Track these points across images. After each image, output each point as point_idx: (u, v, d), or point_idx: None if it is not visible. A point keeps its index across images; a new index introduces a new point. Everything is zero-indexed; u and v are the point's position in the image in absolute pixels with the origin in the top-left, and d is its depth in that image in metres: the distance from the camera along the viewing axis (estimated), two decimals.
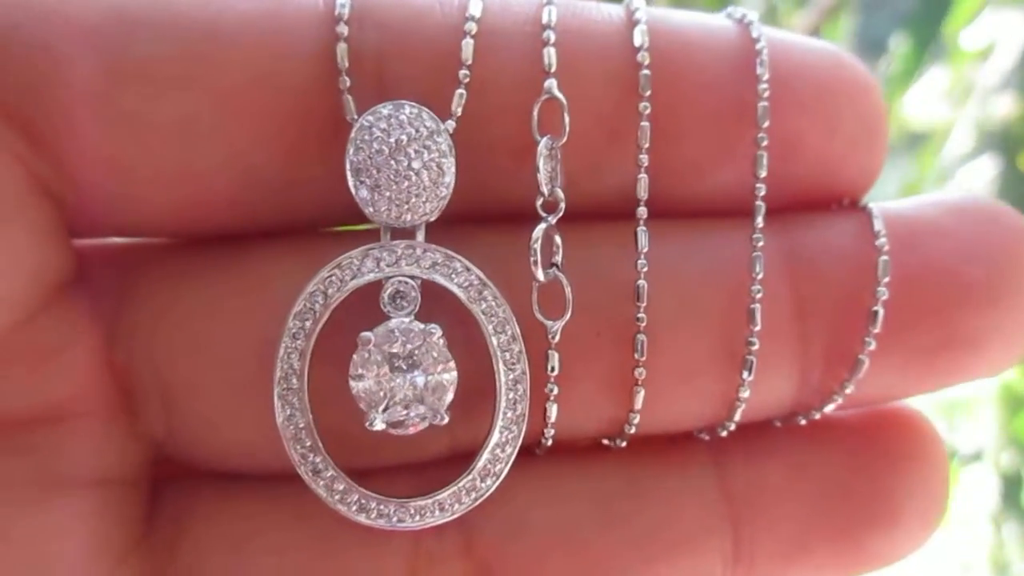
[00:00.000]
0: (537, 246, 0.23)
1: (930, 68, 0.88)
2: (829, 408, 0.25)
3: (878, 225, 0.24)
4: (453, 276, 0.23)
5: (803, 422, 0.26)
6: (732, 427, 0.25)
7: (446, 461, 0.25)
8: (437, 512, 0.24)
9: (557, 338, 0.23)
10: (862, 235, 0.24)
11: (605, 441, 0.26)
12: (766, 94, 0.24)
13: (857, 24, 0.97)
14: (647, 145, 0.23)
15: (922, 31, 0.83)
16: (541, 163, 0.23)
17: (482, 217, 0.25)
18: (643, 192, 0.23)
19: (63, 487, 0.23)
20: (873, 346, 0.24)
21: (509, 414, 0.24)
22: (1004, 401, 0.79)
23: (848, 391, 0.25)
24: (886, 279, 0.24)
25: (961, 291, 0.24)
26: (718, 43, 0.24)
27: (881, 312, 0.24)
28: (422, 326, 0.23)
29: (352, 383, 0.23)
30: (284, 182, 0.23)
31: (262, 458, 0.25)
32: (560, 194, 0.23)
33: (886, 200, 0.26)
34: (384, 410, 0.23)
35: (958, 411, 0.85)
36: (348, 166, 0.23)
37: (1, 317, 0.22)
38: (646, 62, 0.23)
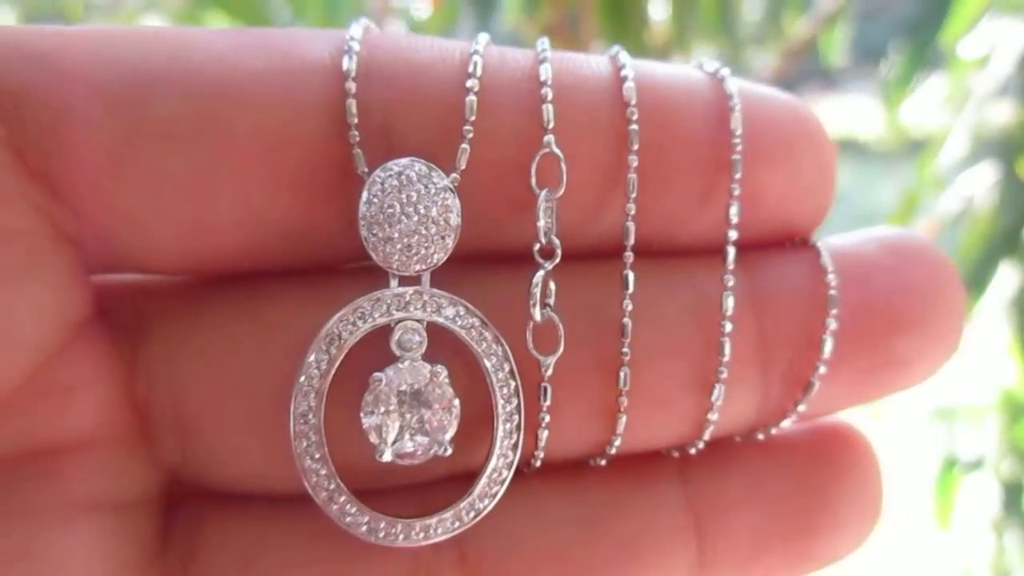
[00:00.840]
0: (537, 290, 0.25)
1: (929, 76, 0.88)
2: (785, 424, 0.28)
3: (826, 262, 0.27)
4: (456, 319, 0.25)
5: (761, 437, 0.29)
6: (701, 445, 0.28)
7: (444, 482, 0.27)
8: (440, 529, 0.26)
9: (550, 372, 0.25)
10: (813, 272, 0.27)
11: (587, 461, 0.28)
12: (739, 148, 0.26)
13: (855, 31, 0.97)
14: (634, 195, 0.25)
15: (920, 39, 0.83)
16: (541, 215, 0.25)
17: (479, 259, 0.26)
18: (630, 239, 0.25)
19: (80, 511, 0.24)
20: (823, 370, 0.27)
21: (506, 442, 0.26)
22: (1005, 409, 0.80)
23: (801, 409, 0.28)
24: (834, 311, 0.27)
25: (896, 319, 0.27)
26: (696, 98, 0.26)
27: (830, 341, 0.27)
28: (429, 367, 0.25)
29: (364, 419, 0.25)
30: (295, 231, 0.25)
31: (273, 483, 0.26)
32: (556, 242, 0.25)
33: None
34: (392, 443, 0.25)
35: (959, 419, 0.85)
36: (361, 220, 0.24)
37: (26, 359, 0.23)
38: (635, 117, 0.25)
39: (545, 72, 0.25)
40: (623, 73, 0.25)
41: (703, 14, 0.88)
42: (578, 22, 0.87)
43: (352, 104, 0.23)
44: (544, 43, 0.26)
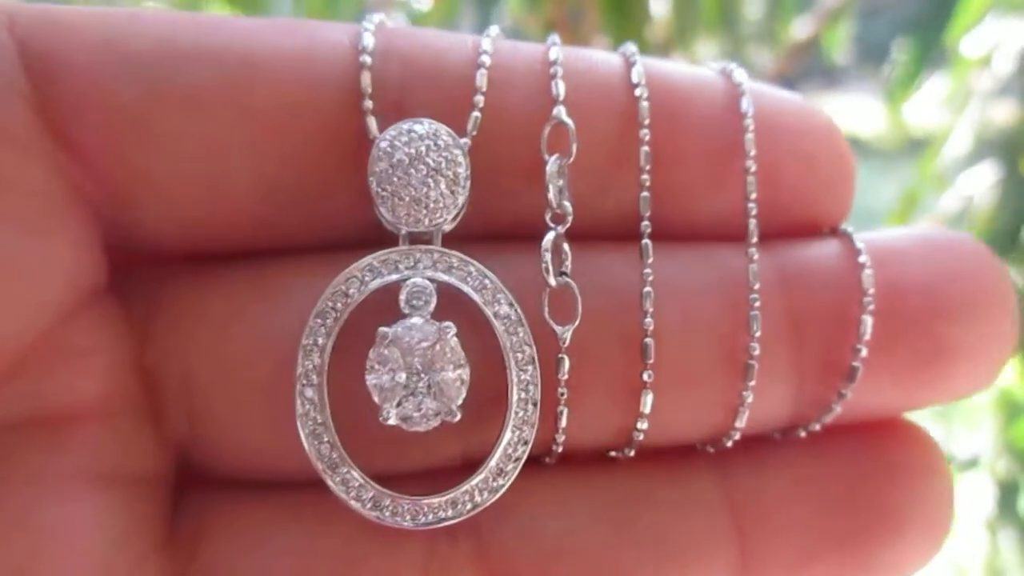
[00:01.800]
0: (548, 253, 0.24)
1: (932, 74, 0.88)
2: (827, 419, 0.26)
3: (860, 244, 0.26)
4: (468, 279, 0.24)
5: (803, 434, 0.27)
6: (737, 436, 0.26)
7: (459, 468, 0.26)
8: (450, 511, 0.24)
9: (567, 342, 0.24)
10: (845, 254, 0.27)
11: (613, 453, 0.27)
12: (751, 127, 0.26)
13: (856, 29, 0.97)
14: (648, 167, 0.25)
15: (924, 37, 0.83)
16: (551, 179, 0.25)
17: (492, 233, 0.26)
18: (646, 209, 0.25)
19: (88, 483, 0.24)
20: (864, 353, 0.25)
21: (520, 414, 0.24)
22: (1001, 408, 0.80)
23: (846, 399, 0.26)
24: (871, 290, 0.26)
25: (937, 305, 0.26)
26: (706, 85, 0.27)
27: (869, 320, 0.25)
28: (438, 324, 0.24)
29: (368, 377, 0.24)
30: (308, 200, 0.25)
31: (280, 462, 0.25)
32: (568, 207, 0.25)
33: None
34: (398, 405, 0.24)
35: (955, 418, 0.85)
36: (370, 175, 0.24)
37: (35, 320, 0.23)
38: (644, 96, 0.25)
39: (556, 54, 0.25)
40: (632, 59, 0.26)
41: (704, 11, 0.88)
42: (580, 17, 0.87)
43: (366, 76, 0.24)
44: (555, 38, 0.26)
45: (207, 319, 0.25)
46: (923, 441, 0.27)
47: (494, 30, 0.26)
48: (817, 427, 0.27)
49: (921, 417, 0.28)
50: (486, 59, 0.25)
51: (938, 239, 0.27)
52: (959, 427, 0.87)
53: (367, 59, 0.24)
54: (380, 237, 0.25)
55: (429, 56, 0.25)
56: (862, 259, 0.26)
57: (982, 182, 0.83)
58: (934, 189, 0.87)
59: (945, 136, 0.86)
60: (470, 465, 0.25)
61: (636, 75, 0.26)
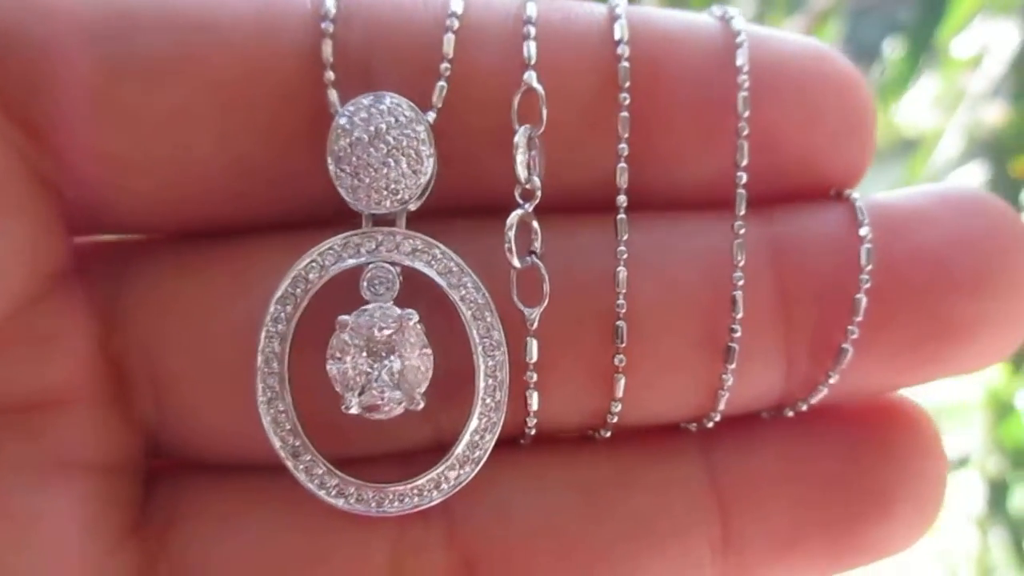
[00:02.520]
0: (512, 233, 0.23)
1: (923, 75, 0.89)
2: (815, 399, 0.25)
3: (861, 214, 0.24)
4: (432, 263, 0.24)
5: (790, 414, 0.26)
6: (717, 418, 0.25)
7: (432, 452, 0.25)
8: (416, 498, 0.24)
9: (535, 325, 0.24)
10: (846, 224, 0.25)
11: (589, 433, 0.26)
12: (746, 85, 0.24)
13: (848, 30, 0.97)
14: (627, 135, 0.24)
15: (916, 38, 0.83)
16: (519, 152, 0.23)
17: (462, 209, 0.25)
18: (623, 181, 0.24)
19: (59, 470, 0.23)
20: (856, 334, 0.24)
21: (488, 401, 0.24)
22: (991, 407, 0.80)
23: (832, 381, 0.25)
24: (869, 267, 0.24)
25: (947, 278, 0.24)
26: (698, 37, 0.25)
27: (864, 300, 0.24)
28: (400, 311, 0.23)
29: (329, 365, 0.23)
30: (273, 173, 0.24)
31: (248, 446, 0.25)
32: (537, 182, 0.23)
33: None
34: (360, 394, 0.23)
35: (946, 417, 0.85)
36: (329, 154, 0.23)
37: (1, 305, 0.22)
38: (626, 55, 0.24)
39: (531, 10, 0.24)
40: (616, 12, 0.24)
41: (694, 9, 0.88)
42: None
43: (328, 45, 0.23)
44: None
45: (173, 303, 0.25)
46: (918, 420, 0.26)
47: None
48: (804, 407, 0.26)
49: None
50: (454, 21, 0.23)
51: (958, 198, 0.25)
52: (949, 426, 0.87)
53: (328, 26, 0.23)
54: (350, 213, 0.24)
55: (394, 18, 0.24)
56: (863, 231, 0.24)
57: (972, 182, 0.84)
58: None
59: (936, 137, 0.87)
60: (444, 447, 0.25)
61: (619, 29, 0.24)
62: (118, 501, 0.25)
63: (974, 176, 0.84)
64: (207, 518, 0.25)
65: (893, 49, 0.85)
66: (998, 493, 0.80)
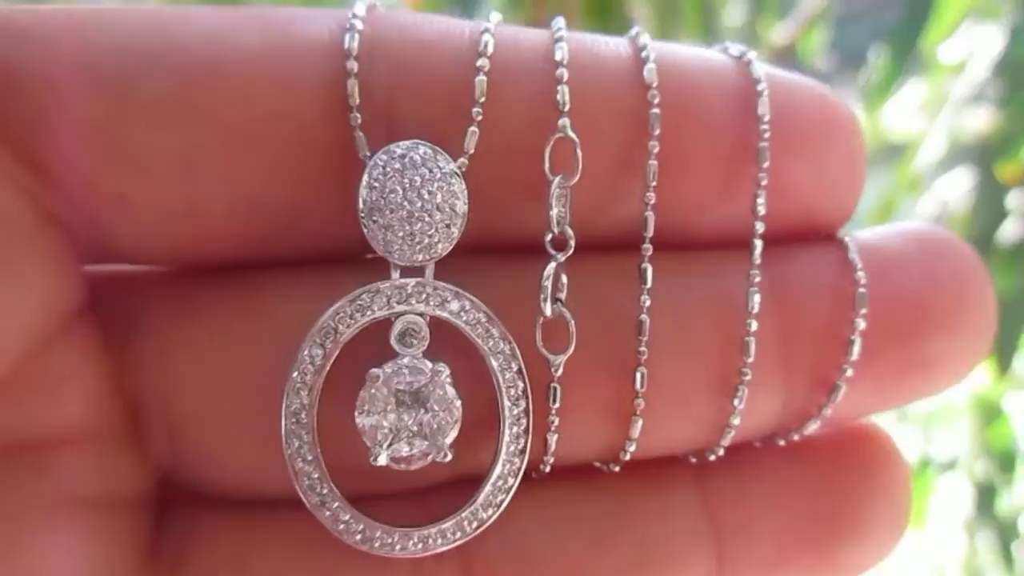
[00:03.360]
0: (548, 283, 0.23)
1: (908, 80, 0.89)
2: (808, 430, 0.27)
3: (854, 257, 0.26)
4: (462, 314, 0.24)
5: (782, 443, 0.27)
6: (720, 452, 0.26)
7: (448, 487, 0.25)
8: (439, 540, 0.24)
9: (560, 371, 0.24)
10: (839, 267, 0.26)
11: (598, 464, 0.27)
12: (767, 135, 0.24)
13: (834, 36, 0.98)
14: (654, 183, 0.24)
15: (901, 43, 0.84)
16: (553, 202, 0.23)
17: (487, 250, 0.25)
18: (649, 230, 0.24)
19: (70, 508, 0.23)
20: (850, 372, 0.25)
21: (512, 447, 0.24)
22: (978, 411, 0.80)
23: (826, 414, 0.26)
24: (863, 310, 0.25)
25: (928, 317, 0.26)
26: (721, 82, 0.25)
27: (858, 342, 0.25)
28: (430, 365, 0.23)
29: (358, 418, 0.23)
30: (291, 217, 0.23)
31: (265, 486, 0.25)
32: (570, 232, 0.24)
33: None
34: (388, 446, 0.23)
35: (934, 421, 0.86)
36: (361, 205, 0.23)
37: (14, 346, 0.22)
38: (656, 100, 0.23)
39: (561, 52, 0.23)
40: (644, 54, 0.24)
41: (686, 15, 0.88)
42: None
43: (354, 84, 0.22)
44: (559, 22, 0.24)
45: (190, 342, 0.24)
46: (880, 442, 0.28)
47: (494, 19, 0.24)
48: (796, 437, 0.27)
49: (897, 421, 0.30)
50: (484, 61, 0.23)
51: (928, 239, 0.26)
52: (937, 430, 0.88)
53: (353, 65, 0.22)
54: (371, 250, 0.24)
55: (420, 57, 0.23)
56: (858, 275, 0.25)
57: (958, 187, 0.84)
58: (909, 192, 0.87)
59: (921, 141, 0.87)
60: (459, 483, 0.25)
61: (648, 72, 0.24)
62: (129, 537, 0.24)
63: (960, 181, 0.85)
64: (220, 554, 0.25)
65: (878, 55, 0.86)
66: (986, 496, 0.80)
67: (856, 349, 0.25)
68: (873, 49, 0.86)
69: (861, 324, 0.25)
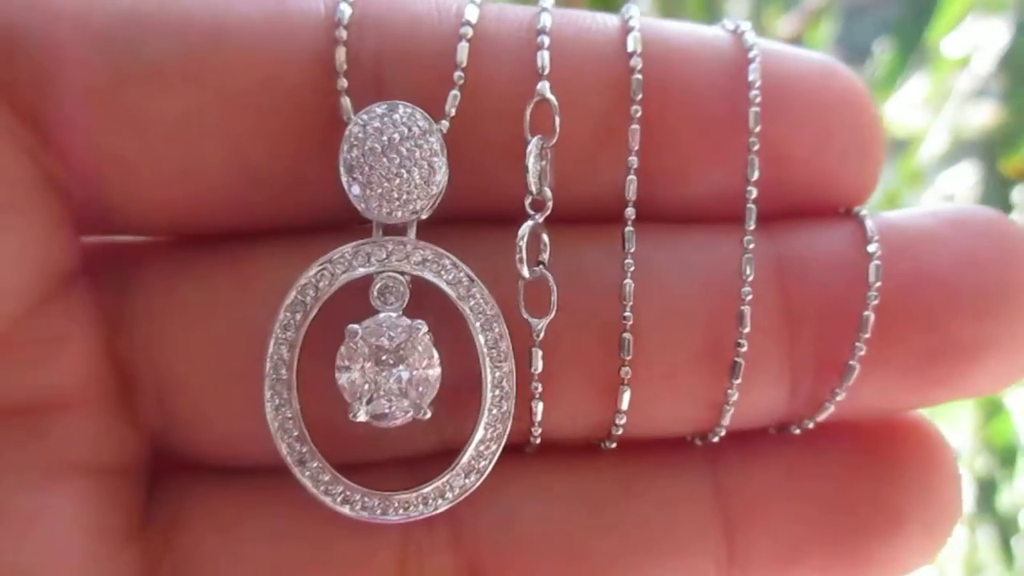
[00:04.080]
0: (523, 243, 0.23)
1: (913, 75, 0.89)
2: (821, 417, 0.25)
3: (870, 231, 0.24)
4: (442, 273, 0.24)
5: (796, 431, 0.26)
6: (722, 433, 0.25)
7: (438, 457, 0.25)
8: (421, 506, 0.24)
9: (541, 336, 0.24)
10: (854, 242, 0.25)
11: (596, 443, 0.26)
12: (757, 100, 0.24)
13: (840, 30, 0.97)
14: (637, 148, 0.24)
15: (906, 37, 0.83)
16: (530, 162, 0.23)
17: (473, 217, 0.25)
18: (632, 194, 0.24)
19: (62, 472, 0.23)
20: (863, 352, 0.24)
21: (494, 411, 0.24)
22: (980, 406, 0.80)
23: (839, 399, 0.25)
24: (877, 284, 0.24)
25: (954, 299, 0.24)
26: (710, 50, 0.25)
27: (872, 317, 0.24)
28: (409, 321, 0.23)
29: (338, 374, 0.23)
30: (283, 181, 0.24)
31: (254, 451, 0.25)
32: (548, 193, 0.24)
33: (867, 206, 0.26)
34: (368, 402, 0.23)
35: (935, 416, 0.86)
36: (341, 163, 0.23)
37: (7, 306, 0.22)
38: (638, 67, 0.24)
39: (544, 21, 0.24)
40: (630, 24, 0.24)
41: (690, 9, 0.88)
42: None
43: (341, 52, 0.23)
44: (546, 1, 0.25)
45: (181, 307, 0.24)
46: (927, 435, 0.26)
47: None
48: (811, 425, 0.26)
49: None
50: (468, 30, 0.23)
51: (968, 219, 0.25)
52: (938, 424, 0.87)
53: (342, 32, 0.23)
54: (359, 220, 0.24)
55: (407, 25, 0.24)
56: (871, 248, 0.24)
57: (961, 181, 0.84)
58: (911, 185, 0.87)
59: (924, 136, 0.87)
60: (449, 453, 0.25)
61: (632, 42, 0.24)
62: (122, 503, 0.24)
63: (964, 175, 0.84)
64: (211, 521, 0.25)
65: (883, 49, 0.85)
66: (986, 491, 0.80)
67: (869, 326, 0.24)
68: (877, 43, 0.85)
69: (875, 299, 0.24)
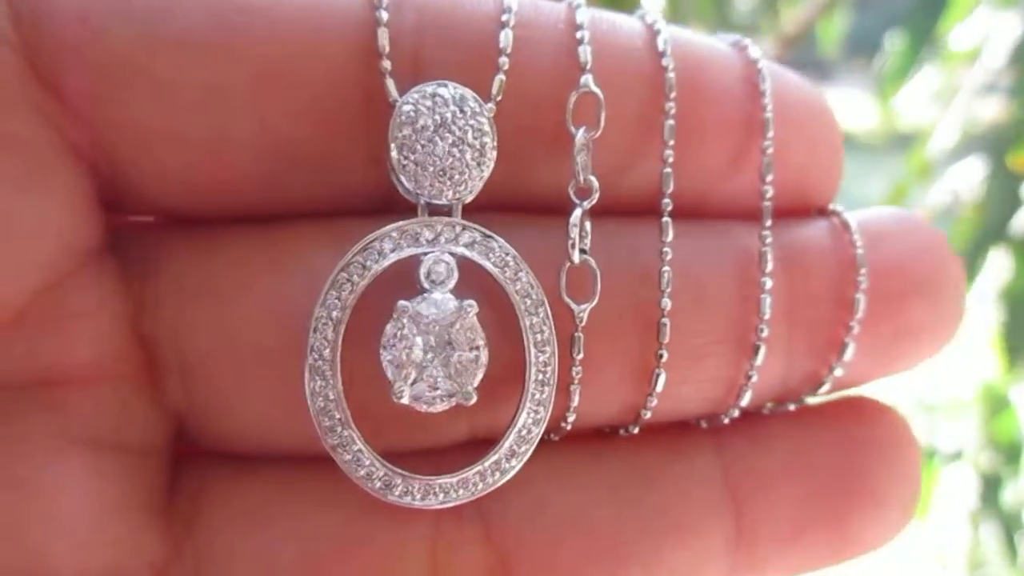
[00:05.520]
0: (576, 230, 0.24)
1: (923, 68, 0.88)
2: (821, 391, 0.27)
3: (852, 224, 0.27)
4: (490, 255, 0.23)
5: (792, 407, 0.28)
6: (736, 413, 0.27)
7: (463, 448, 0.25)
8: (461, 491, 0.24)
9: (584, 322, 0.24)
10: (837, 234, 0.27)
11: (617, 429, 0.27)
12: (770, 107, 0.26)
13: (850, 22, 0.97)
14: (672, 143, 0.24)
15: (917, 30, 0.83)
16: (579, 153, 0.24)
17: (512, 205, 0.25)
18: (668, 187, 0.25)
19: (81, 446, 0.23)
20: (857, 330, 0.26)
21: (537, 395, 0.24)
22: (985, 402, 0.80)
23: (837, 374, 0.27)
24: (863, 269, 0.26)
25: (911, 282, 0.27)
26: (724, 58, 0.26)
27: (863, 299, 0.26)
28: (459, 301, 0.23)
29: (383, 353, 0.23)
30: (315, 160, 0.23)
31: (282, 437, 0.25)
32: (594, 181, 0.24)
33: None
34: (412, 383, 0.23)
35: (939, 412, 0.86)
36: (392, 142, 0.23)
37: (32, 279, 0.22)
38: (671, 66, 0.24)
39: (582, 16, 0.24)
40: (655, 27, 0.25)
41: (699, 6, 0.88)
42: None
43: (384, 33, 0.23)
44: None
45: (209, 286, 0.24)
46: (894, 420, 0.28)
47: None
48: (808, 400, 0.28)
49: (906, 410, 0.30)
50: (510, 17, 0.23)
51: (906, 220, 0.28)
52: (943, 421, 0.87)
53: (383, 14, 0.23)
54: (390, 204, 0.24)
55: (447, 8, 0.24)
56: (855, 238, 0.27)
57: (969, 176, 0.84)
58: (919, 179, 0.87)
59: (933, 130, 0.87)
60: (476, 444, 0.25)
61: (662, 43, 0.25)
62: (144, 483, 0.24)
63: (972, 169, 0.84)
64: (235, 506, 0.25)
65: (893, 42, 0.85)
66: (990, 487, 0.80)
67: (861, 307, 0.26)
68: (887, 36, 0.85)
69: (864, 282, 0.26)
